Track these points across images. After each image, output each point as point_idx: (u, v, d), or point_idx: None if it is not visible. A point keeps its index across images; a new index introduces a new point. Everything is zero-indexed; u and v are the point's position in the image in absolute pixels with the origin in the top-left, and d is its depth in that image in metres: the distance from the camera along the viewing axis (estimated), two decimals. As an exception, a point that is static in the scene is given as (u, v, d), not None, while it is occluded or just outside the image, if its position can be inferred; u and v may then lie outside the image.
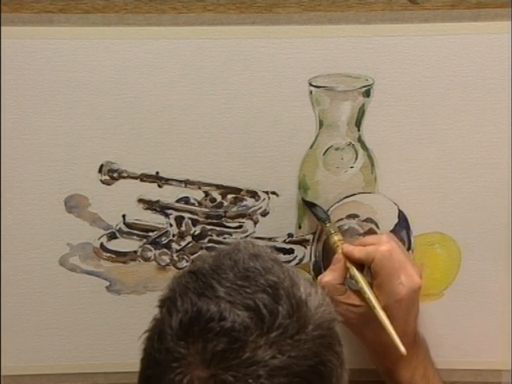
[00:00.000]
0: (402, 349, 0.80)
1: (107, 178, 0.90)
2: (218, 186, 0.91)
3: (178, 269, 0.92)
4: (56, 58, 0.87)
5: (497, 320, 0.94)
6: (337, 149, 0.90)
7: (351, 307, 0.85)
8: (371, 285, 0.84)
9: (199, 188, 0.91)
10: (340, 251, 0.86)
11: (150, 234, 0.92)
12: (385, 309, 0.82)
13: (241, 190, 0.91)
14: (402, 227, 0.91)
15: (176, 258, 0.92)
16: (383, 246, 0.84)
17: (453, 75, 0.88)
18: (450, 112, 0.89)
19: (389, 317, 0.82)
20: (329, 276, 0.85)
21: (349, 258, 0.85)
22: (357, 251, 0.85)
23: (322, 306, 0.68)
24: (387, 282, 0.83)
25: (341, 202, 0.91)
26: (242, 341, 0.64)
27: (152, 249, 0.92)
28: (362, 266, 0.85)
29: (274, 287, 0.67)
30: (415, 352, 0.86)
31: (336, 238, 0.87)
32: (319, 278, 0.86)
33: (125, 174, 0.90)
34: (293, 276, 0.69)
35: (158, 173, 0.90)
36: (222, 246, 0.92)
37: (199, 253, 0.92)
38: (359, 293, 0.85)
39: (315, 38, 0.87)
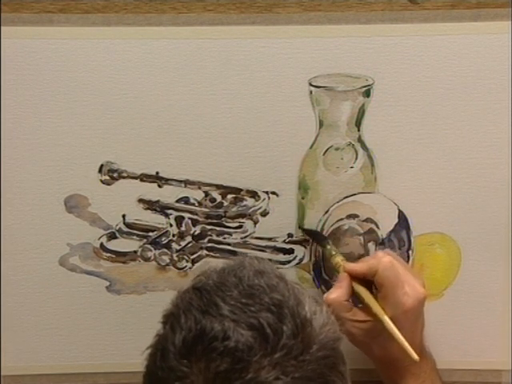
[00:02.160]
0: (415, 356, 0.79)
1: (107, 178, 0.90)
2: (218, 186, 0.91)
3: (178, 269, 0.92)
4: (56, 58, 0.87)
5: (497, 320, 0.94)
6: (337, 149, 0.90)
7: (357, 323, 0.84)
8: (376, 298, 0.84)
9: (199, 188, 0.91)
10: (343, 270, 0.85)
11: (150, 234, 0.92)
12: (392, 320, 0.81)
13: (241, 190, 0.91)
14: (401, 227, 0.91)
15: (176, 258, 0.92)
16: (384, 258, 0.83)
17: (453, 75, 0.88)
18: (450, 112, 0.89)
19: (398, 329, 0.81)
20: (335, 293, 0.84)
21: (352, 274, 0.85)
22: (359, 267, 0.84)
23: (326, 325, 0.68)
24: (392, 293, 0.82)
25: (341, 202, 0.91)
26: (245, 361, 0.63)
27: (152, 249, 0.92)
28: (366, 282, 0.85)
29: (278, 306, 0.66)
30: (423, 365, 0.85)
31: (338, 258, 0.87)
32: (325, 295, 0.85)
33: (125, 174, 0.90)
34: (298, 294, 0.69)
35: (158, 173, 0.90)
36: (222, 247, 0.92)
37: (198, 252, 0.92)
38: (364, 309, 0.84)
39: (315, 37, 0.87)
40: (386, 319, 0.81)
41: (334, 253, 0.88)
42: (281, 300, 0.67)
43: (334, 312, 0.81)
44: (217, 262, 0.91)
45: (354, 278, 0.85)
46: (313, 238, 0.91)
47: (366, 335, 0.84)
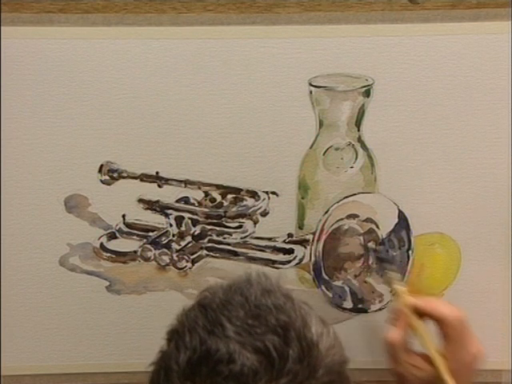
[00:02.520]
0: None
1: (107, 178, 0.90)
2: (218, 186, 0.91)
3: (178, 269, 0.92)
4: (56, 57, 0.87)
5: (497, 320, 0.94)
6: (337, 149, 0.90)
7: (414, 369, 0.82)
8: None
9: (199, 188, 0.91)
10: (402, 304, 0.84)
11: (150, 233, 0.92)
12: (453, 373, 0.80)
13: (241, 190, 0.91)
14: (401, 227, 0.91)
15: (176, 258, 0.92)
16: (456, 312, 0.82)
17: (453, 75, 0.88)
18: (450, 112, 0.89)
19: (456, 381, 0.80)
20: (397, 333, 0.82)
21: (415, 310, 0.83)
22: (428, 308, 0.82)
23: (333, 348, 0.67)
24: (459, 349, 0.81)
25: (341, 202, 0.91)
26: None
27: (152, 249, 0.92)
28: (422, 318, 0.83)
29: (284, 328, 0.65)
30: None
31: (398, 287, 0.85)
32: (387, 336, 0.82)
33: (125, 174, 0.90)
34: (305, 315, 0.68)
35: (157, 173, 0.90)
36: (222, 247, 0.92)
37: (198, 252, 0.92)
38: (424, 356, 0.82)
39: (315, 38, 0.87)
40: (448, 377, 0.80)
41: (396, 280, 0.87)
42: (287, 322, 0.66)
43: (394, 353, 0.80)
44: (216, 262, 0.91)
45: (415, 309, 0.83)
46: (384, 268, 0.90)
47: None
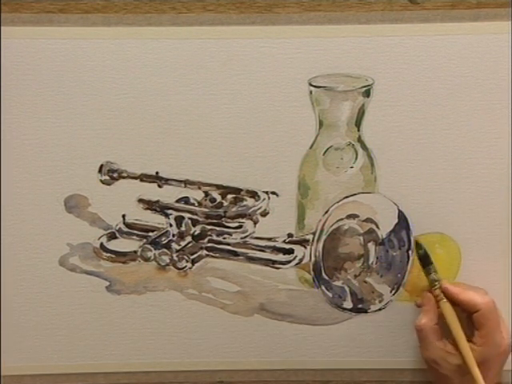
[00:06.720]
0: None
1: (107, 178, 0.90)
2: (217, 186, 0.91)
3: (178, 269, 0.92)
4: (56, 57, 0.87)
5: (497, 320, 0.94)
6: (337, 149, 0.91)
7: (447, 355, 0.84)
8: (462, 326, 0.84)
9: (199, 188, 0.91)
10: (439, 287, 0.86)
11: (150, 234, 0.92)
12: (486, 360, 0.82)
13: (241, 190, 0.91)
14: (401, 227, 0.91)
15: (176, 258, 0.92)
16: (487, 297, 0.84)
17: (453, 75, 0.89)
18: (450, 112, 0.89)
19: (488, 369, 0.82)
20: (425, 318, 0.85)
21: (449, 296, 0.85)
22: (460, 293, 0.85)
23: None
24: (492, 334, 0.83)
25: (341, 202, 0.91)
26: None
27: (152, 249, 0.92)
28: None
29: None
30: None
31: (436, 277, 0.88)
32: (415, 322, 0.85)
33: (125, 174, 0.90)
34: None
35: (157, 173, 0.90)
36: (222, 247, 0.92)
37: (198, 252, 0.92)
38: (454, 343, 0.84)
39: (315, 38, 0.87)
40: (471, 361, 0.81)
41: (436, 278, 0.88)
42: None
43: (425, 339, 0.81)
44: (216, 262, 0.91)
45: (450, 299, 0.85)
46: (421, 256, 0.90)
47: (453, 371, 0.84)
